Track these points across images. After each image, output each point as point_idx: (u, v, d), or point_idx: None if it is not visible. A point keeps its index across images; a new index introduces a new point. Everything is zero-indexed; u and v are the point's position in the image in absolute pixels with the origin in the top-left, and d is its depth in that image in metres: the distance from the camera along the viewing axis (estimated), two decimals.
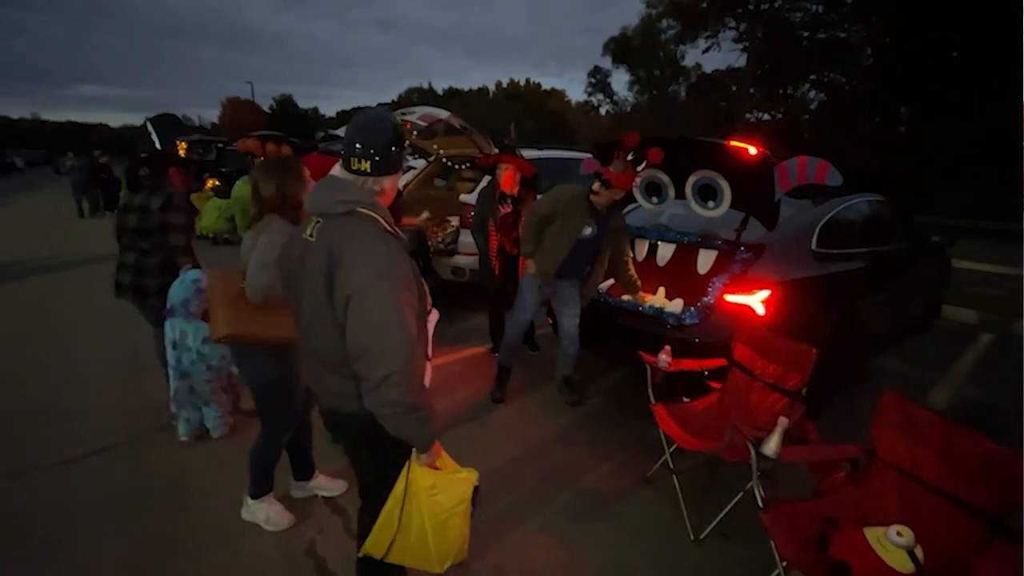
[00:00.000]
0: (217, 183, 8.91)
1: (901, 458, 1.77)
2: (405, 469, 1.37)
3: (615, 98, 33.42)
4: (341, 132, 4.65)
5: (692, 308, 2.88)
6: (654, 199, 3.43)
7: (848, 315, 3.22)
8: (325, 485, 2.47)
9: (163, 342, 2.82)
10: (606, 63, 31.28)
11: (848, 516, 1.75)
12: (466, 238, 4.68)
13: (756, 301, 2.77)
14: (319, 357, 1.38)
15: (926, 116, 15.44)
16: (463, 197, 4.99)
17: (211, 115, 62.22)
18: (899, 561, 1.48)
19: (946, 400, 3.64)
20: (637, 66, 29.61)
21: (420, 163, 6.08)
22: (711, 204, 3.14)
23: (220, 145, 11.95)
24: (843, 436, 2.51)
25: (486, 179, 4.32)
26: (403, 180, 5.56)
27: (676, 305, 3.01)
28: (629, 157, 2.88)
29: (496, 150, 4.72)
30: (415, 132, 4.74)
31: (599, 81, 33.44)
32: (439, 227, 5.00)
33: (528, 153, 5.23)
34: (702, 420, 2.47)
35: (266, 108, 52.64)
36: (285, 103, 57.29)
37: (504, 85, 50.07)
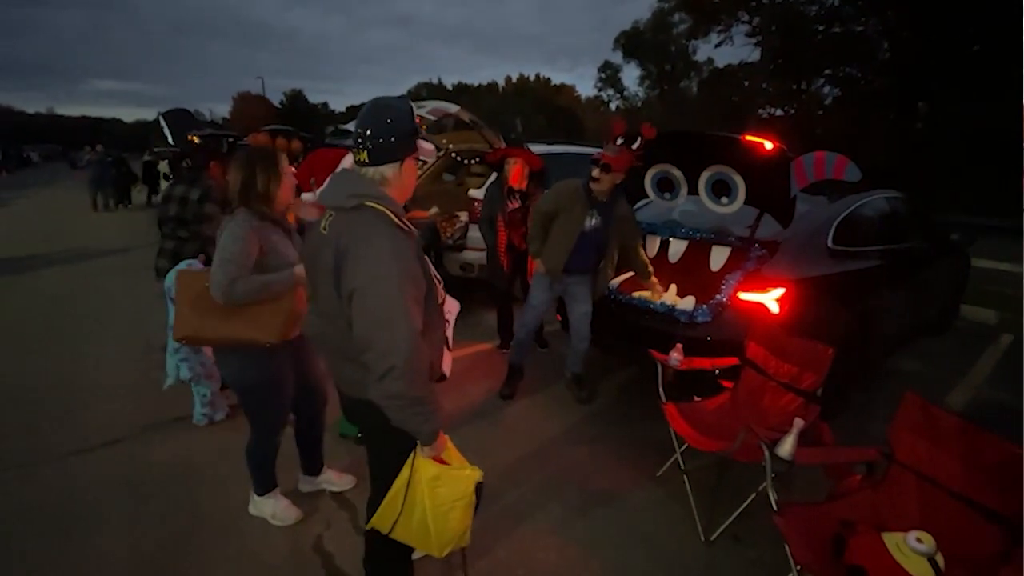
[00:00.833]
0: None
1: (921, 462, 1.72)
2: (411, 458, 1.41)
3: (625, 93, 33.22)
4: (351, 126, 4.64)
5: (704, 306, 2.83)
6: (666, 195, 3.38)
7: (864, 314, 3.15)
8: (334, 480, 2.46)
9: None
10: (617, 58, 31.08)
11: (865, 520, 1.71)
12: (475, 233, 4.66)
13: (770, 299, 2.72)
14: (334, 346, 1.42)
15: (944, 111, 15.13)
16: (472, 192, 4.96)
17: (222, 110, 62.80)
18: (919, 568, 1.44)
19: (965, 402, 3.56)
20: (648, 61, 29.35)
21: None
22: (725, 200, 3.08)
23: (231, 140, 12.01)
24: (858, 437, 2.47)
25: (494, 174, 4.28)
26: None
27: (688, 302, 2.97)
28: (619, 141, 2.85)
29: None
30: (425, 126, 4.72)
31: (610, 76, 33.24)
32: (448, 222, 4.98)
33: (537, 148, 5.18)
34: (713, 420, 2.43)
35: (277, 103, 52.91)
36: (295, 98, 57.53)
37: (514, 80, 49.90)
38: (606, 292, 3.25)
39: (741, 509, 2.13)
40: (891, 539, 1.53)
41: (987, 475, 1.56)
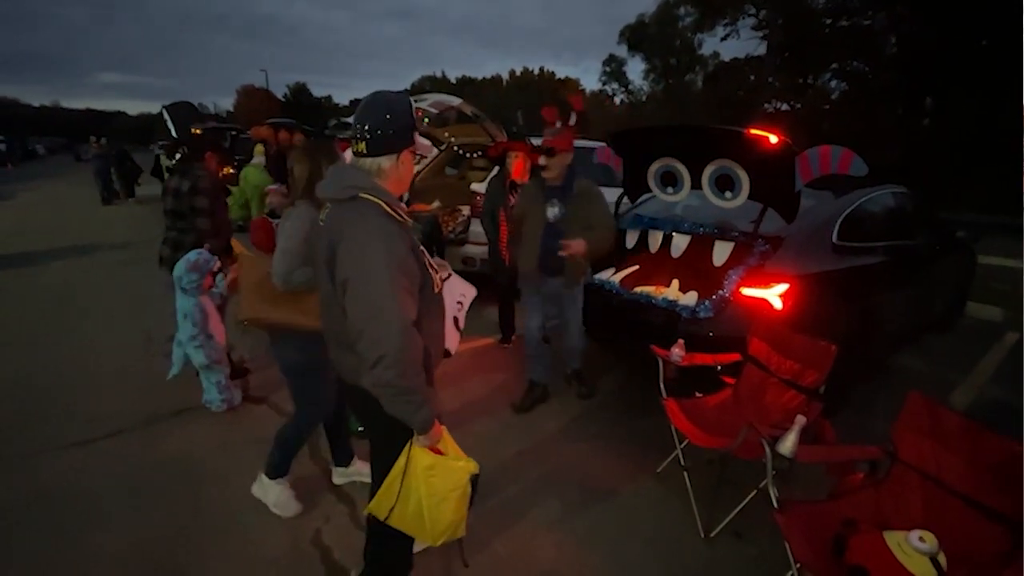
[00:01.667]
0: (231, 170, 8.97)
1: (924, 461, 1.70)
2: (407, 447, 1.43)
3: (630, 87, 32.97)
4: (351, 119, 4.61)
5: (707, 301, 2.81)
6: (669, 189, 3.35)
7: (868, 311, 3.13)
8: (364, 471, 2.45)
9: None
10: (622, 52, 30.82)
11: (867, 519, 1.69)
12: (477, 227, 4.64)
13: (773, 295, 2.69)
14: (334, 334, 1.47)
15: (952, 107, 14.96)
16: (474, 186, 4.94)
17: (226, 103, 62.68)
18: (921, 567, 1.43)
19: (969, 400, 3.53)
20: (653, 55, 29.08)
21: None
22: (728, 195, 3.05)
23: (234, 133, 12.00)
24: (860, 435, 2.45)
25: (496, 168, 4.26)
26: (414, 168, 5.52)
27: (690, 298, 2.94)
28: (557, 124, 2.83)
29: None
30: (426, 120, 4.69)
31: (614, 70, 32.99)
32: (450, 216, 4.97)
33: (539, 142, 5.15)
34: (715, 416, 2.41)
35: (281, 96, 52.85)
36: (299, 91, 57.46)
37: (518, 74, 49.64)
38: (590, 279, 3.18)
39: (742, 506, 2.12)
40: (893, 538, 1.52)
41: (991, 475, 1.54)
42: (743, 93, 22.74)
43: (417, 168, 5.80)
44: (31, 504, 2.29)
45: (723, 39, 22.90)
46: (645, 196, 3.70)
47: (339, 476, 2.47)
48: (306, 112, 44.36)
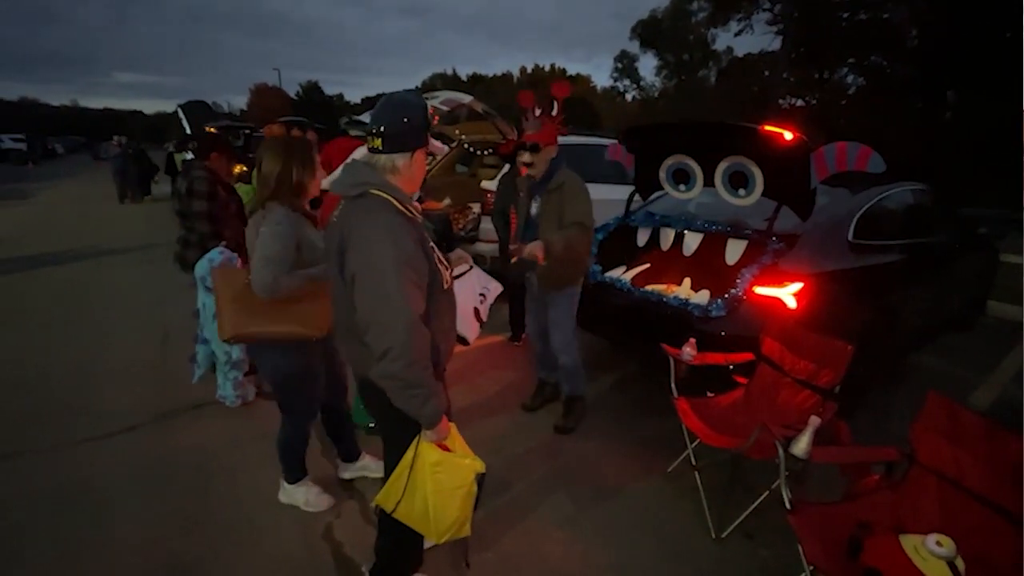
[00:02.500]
0: (244, 169, 9.05)
1: (943, 463, 1.66)
2: (415, 442, 1.44)
3: (642, 83, 32.72)
4: (364, 117, 4.65)
5: (719, 300, 2.77)
6: (682, 186, 3.32)
7: (885, 310, 3.07)
8: (371, 465, 2.47)
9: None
10: (634, 47, 30.59)
11: (882, 522, 1.66)
12: (487, 225, 4.64)
13: (787, 294, 2.65)
14: (345, 327, 1.47)
15: (974, 101, 14.59)
16: (485, 183, 4.93)
17: (240, 102, 63.38)
18: (938, 571, 1.40)
19: (989, 401, 3.45)
20: (666, 50, 28.83)
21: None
22: (742, 192, 3.01)
23: (247, 131, 12.12)
24: (876, 436, 2.41)
25: (507, 166, 4.25)
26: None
27: (702, 296, 2.91)
28: (537, 111, 2.67)
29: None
30: (438, 117, 4.69)
31: (626, 66, 32.76)
32: (460, 214, 4.97)
33: None
34: (726, 416, 2.39)
35: (293, 95, 53.25)
36: (311, 89, 57.80)
37: (528, 71, 49.46)
38: (619, 286, 3.16)
39: (753, 507, 2.09)
40: (909, 541, 1.49)
41: (1011, 477, 1.51)
42: (757, 89, 22.43)
43: (428, 165, 5.81)
44: (47, 497, 2.33)
45: (737, 34, 22.63)
46: (657, 193, 3.67)
47: (347, 471, 2.48)
48: (318, 110, 44.66)
